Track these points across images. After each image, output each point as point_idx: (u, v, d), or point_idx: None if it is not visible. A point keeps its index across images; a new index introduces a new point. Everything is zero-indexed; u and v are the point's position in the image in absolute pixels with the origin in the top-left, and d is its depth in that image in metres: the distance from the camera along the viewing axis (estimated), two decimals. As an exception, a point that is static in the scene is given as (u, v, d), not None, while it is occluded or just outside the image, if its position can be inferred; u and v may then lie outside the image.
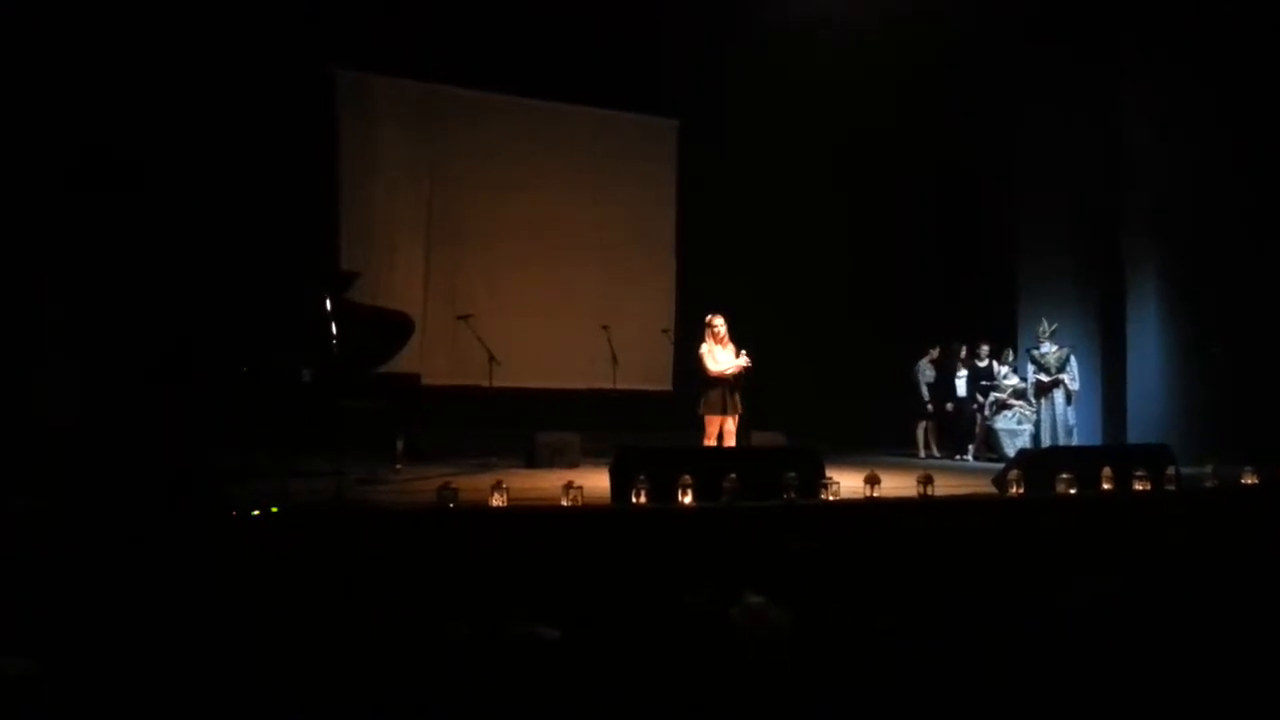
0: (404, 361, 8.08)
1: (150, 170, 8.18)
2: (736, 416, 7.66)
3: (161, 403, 7.35)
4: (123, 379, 7.51)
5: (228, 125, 8.58)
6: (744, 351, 7.61)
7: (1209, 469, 7.43)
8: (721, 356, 7.62)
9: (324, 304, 7.03)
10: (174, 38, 8.23)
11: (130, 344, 7.79)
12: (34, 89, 7.48)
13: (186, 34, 8.27)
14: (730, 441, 7.64)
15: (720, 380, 7.55)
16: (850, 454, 9.24)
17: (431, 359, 9.52)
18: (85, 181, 7.73)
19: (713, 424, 7.61)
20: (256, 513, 4.62)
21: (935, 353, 10.84)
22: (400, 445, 7.38)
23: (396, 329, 7.70)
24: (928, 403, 10.72)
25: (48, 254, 7.70)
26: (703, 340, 7.70)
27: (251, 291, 8.17)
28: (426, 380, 8.26)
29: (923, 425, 10.79)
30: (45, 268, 7.66)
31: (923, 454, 10.65)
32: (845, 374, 10.97)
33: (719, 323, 7.68)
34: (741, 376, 7.59)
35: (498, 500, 5.37)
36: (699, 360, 7.61)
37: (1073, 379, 9.74)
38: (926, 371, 10.83)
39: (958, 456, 10.53)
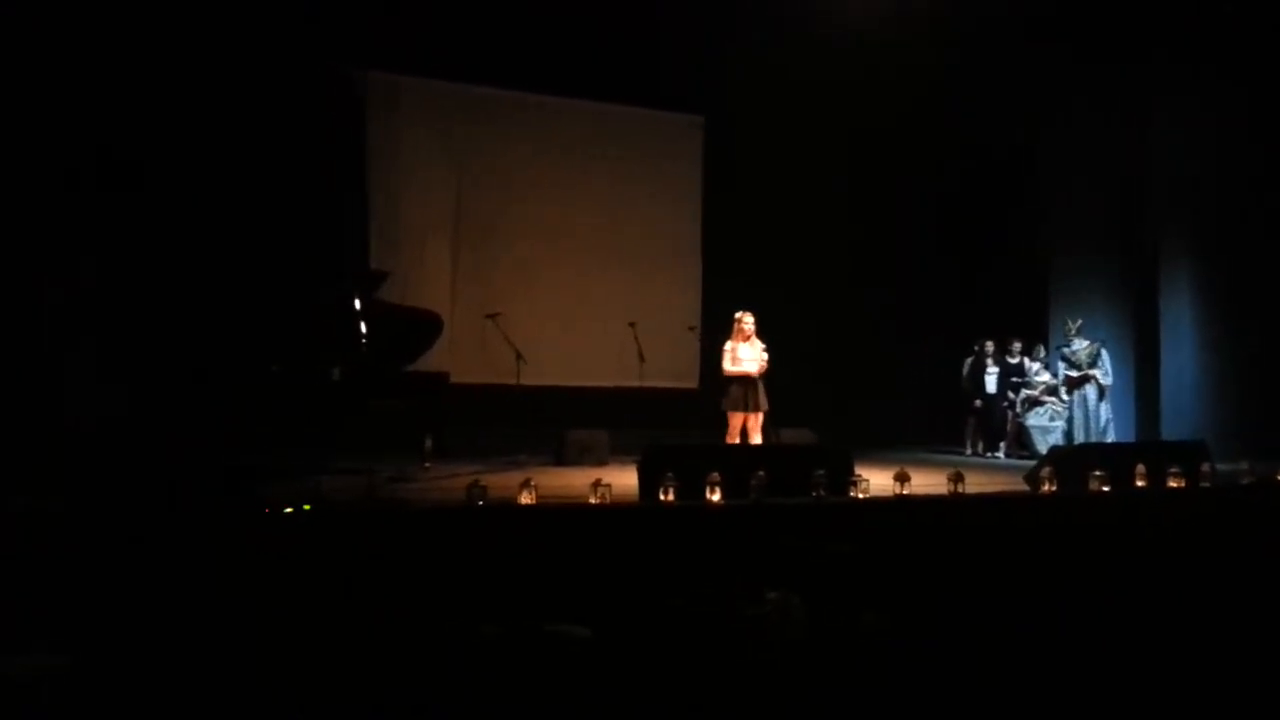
0: (433, 360, 8.12)
1: (179, 171, 8.26)
2: (760, 413, 7.66)
3: (193, 402, 7.44)
4: (154, 378, 7.60)
5: (258, 126, 8.66)
6: (764, 348, 7.62)
7: (1245, 465, 7.32)
8: (745, 353, 7.61)
9: (353, 303, 7.09)
10: (205, 43, 8.31)
11: (161, 344, 7.89)
12: (58, 90, 7.58)
13: (217, 39, 8.34)
14: (755, 438, 7.63)
15: (742, 376, 7.56)
16: (885, 451, 9.19)
17: (460, 357, 9.55)
18: (112, 182, 7.82)
19: (734, 420, 7.61)
20: (289, 510, 4.66)
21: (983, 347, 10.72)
22: (429, 443, 7.42)
23: (425, 327, 7.75)
24: (974, 399, 10.62)
25: (79, 253, 7.80)
26: (729, 336, 7.70)
27: (281, 291, 8.23)
28: (455, 378, 8.30)
29: (970, 422, 10.72)
30: (76, 266, 7.77)
31: (968, 451, 10.57)
32: (875, 372, 10.91)
33: (748, 320, 7.68)
34: (764, 374, 7.60)
35: (526, 498, 5.39)
36: (720, 354, 7.65)
37: (1105, 374, 9.64)
38: (966, 367, 10.76)
39: (990, 454, 10.45)
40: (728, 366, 7.62)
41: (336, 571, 4.43)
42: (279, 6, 8.64)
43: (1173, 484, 6.83)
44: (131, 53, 7.93)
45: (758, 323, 7.75)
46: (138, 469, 5.34)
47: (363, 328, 7.03)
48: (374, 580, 4.34)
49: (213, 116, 8.44)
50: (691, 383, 10.64)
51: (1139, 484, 6.78)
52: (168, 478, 5.06)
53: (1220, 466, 7.46)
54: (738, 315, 7.74)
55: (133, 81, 7.97)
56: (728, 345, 7.68)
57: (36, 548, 4.19)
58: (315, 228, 8.89)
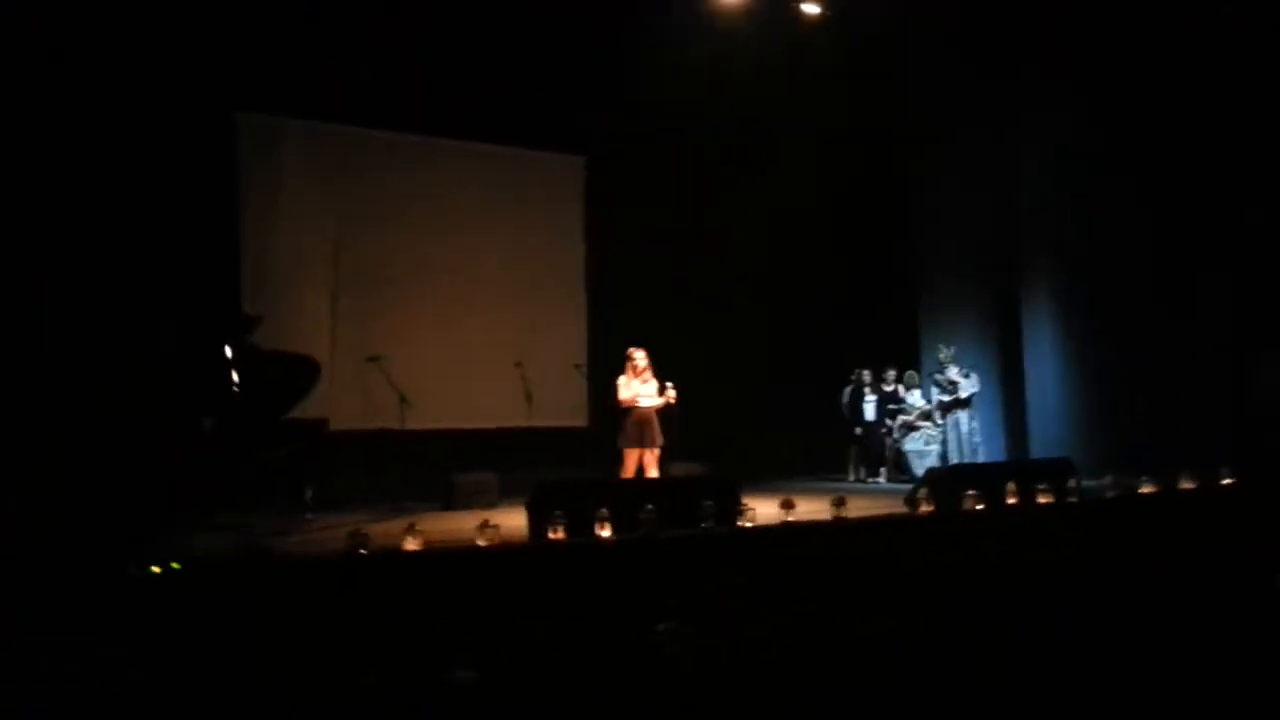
0: (312, 406, 7.88)
1: (31, 217, 7.82)
2: (657, 449, 7.69)
3: (51, 467, 6.99)
4: (16, 432, 7.12)
5: (122, 169, 8.28)
6: (669, 384, 7.66)
7: (1109, 480, 7.73)
8: (641, 389, 7.65)
9: (224, 349, 6.83)
10: (65, 80, 7.95)
11: (15, 406, 7.41)
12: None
13: (79, 76, 7.99)
14: (652, 474, 7.65)
15: (638, 413, 7.58)
16: (773, 481, 9.34)
17: (341, 403, 9.28)
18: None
19: (630, 456, 7.62)
20: (157, 570, 4.43)
21: (859, 376, 11.03)
22: (310, 493, 7.19)
23: (302, 372, 7.53)
24: (854, 426, 10.90)
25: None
26: (622, 373, 7.72)
27: (147, 340, 7.86)
28: (336, 424, 8.09)
29: (852, 449, 10.99)
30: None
31: (851, 478, 10.82)
32: (761, 402, 11.11)
33: (639, 356, 7.72)
34: (662, 410, 7.65)
35: (411, 544, 5.27)
36: (615, 391, 7.65)
37: (971, 386, 10.02)
38: (845, 395, 11.06)
39: (870, 479, 10.74)
40: (624, 395, 7.61)
41: (211, 630, 4.22)
42: (147, 47, 8.33)
43: (1042, 500, 7.16)
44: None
45: (647, 358, 7.81)
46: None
47: (234, 375, 6.77)
48: (251, 638, 4.15)
49: (74, 157, 8.04)
50: (581, 420, 10.62)
51: (1010, 501, 7.07)
52: (24, 546, 4.76)
53: (1085, 482, 7.86)
54: (629, 351, 7.77)
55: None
56: (620, 380, 7.69)
57: None
58: (183, 273, 8.52)
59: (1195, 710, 3.11)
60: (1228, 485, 7.84)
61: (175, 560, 4.58)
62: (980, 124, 10.92)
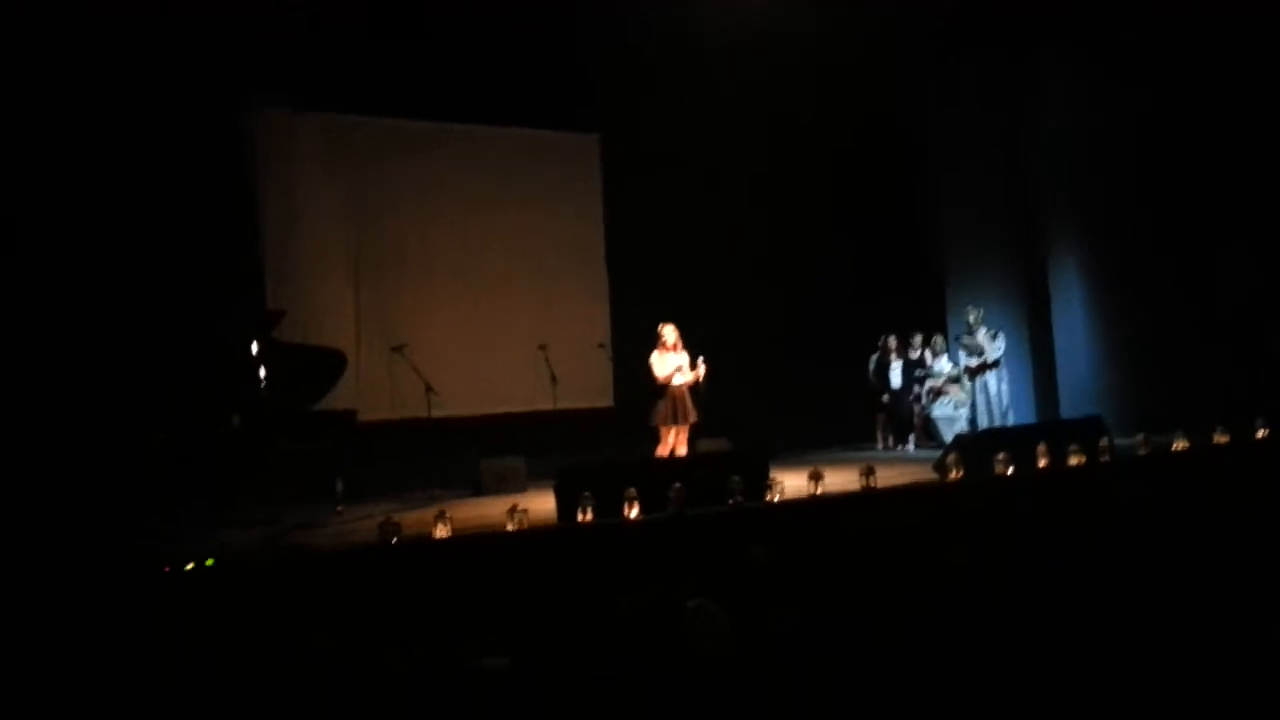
0: (339, 398, 7.94)
1: (57, 218, 7.89)
2: (687, 426, 7.71)
3: (86, 464, 7.10)
4: (41, 439, 7.23)
5: (141, 168, 8.34)
6: (700, 358, 7.67)
7: (1140, 438, 7.63)
8: (672, 364, 7.64)
9: (249, 345, 6.88)
10: (87, 82, 8.00)
11: (50, 403, 7.52)
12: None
13: (96, 75, 8.03)
14: (682, 450, 7.67)
15: (671, 389, 7.59)
16: (803, 453, 9.31)
17: (368, 394, 9.36)
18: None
19: (666, 433, 7.65)
20: (190, 567, 4.49)
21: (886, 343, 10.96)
22: (340, 485, 7.25)
23: (328, 365, 7.57)
24: (881, 394, 10.84)
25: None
26: (652, 350, 7.72)
27: (173, 338, 7.93)
28: (364, 415, 8.14)
29: (879, 417, 10.94)
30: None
31: (880, 446, 10.78)
32: (787, 373, 11.06)
33: (668, 332, 7.72)
34: (698, 385, 7.66)
35: (441, 531, 5.30)
36: (648, 369, 7.65)
37: (998, 349, 9.94)
38: (872, 364, 10.99)
39: (899, 447, 10.67)
40: (659, 373, 7.62)
41: (245, 627, 4.28)
42: (163, 43, 8.35)
43: (1073, 461, 7.08)
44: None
45: (677, 334, 7.81)
46: (28, 539, 5.09)
47: (261, 370, 6.82)
48: (287, 633, 4.20)
49: (94, 157, 8.09)
50: (606, 401, 10.63)
51: (1041, 463, 7.00)
52: (62, 545, 4.84)
53: (1118, 441, 7.76)
54: (659, 328, 7.77)
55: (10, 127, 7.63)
56: (653, 358, 7.70)
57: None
58: (205, 269, 8.58)
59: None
60: (1262, 438, 7.72)
61: (209, 557, 4.64)
62: (1002, 89, 10.78)
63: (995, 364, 9.96)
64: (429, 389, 8.55)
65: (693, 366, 7.73)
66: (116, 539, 4.85)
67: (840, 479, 6.79)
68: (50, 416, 7.17)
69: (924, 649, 3.28)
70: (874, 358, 11.01)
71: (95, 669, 3.70)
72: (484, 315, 10.53)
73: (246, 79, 9.07)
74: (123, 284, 8.05)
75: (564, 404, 9.27)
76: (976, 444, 7.57)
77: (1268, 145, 9.18)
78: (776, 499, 6.13)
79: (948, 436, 9.75)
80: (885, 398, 10.83)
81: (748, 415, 9.80)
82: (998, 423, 9.72)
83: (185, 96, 8.59)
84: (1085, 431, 7.52)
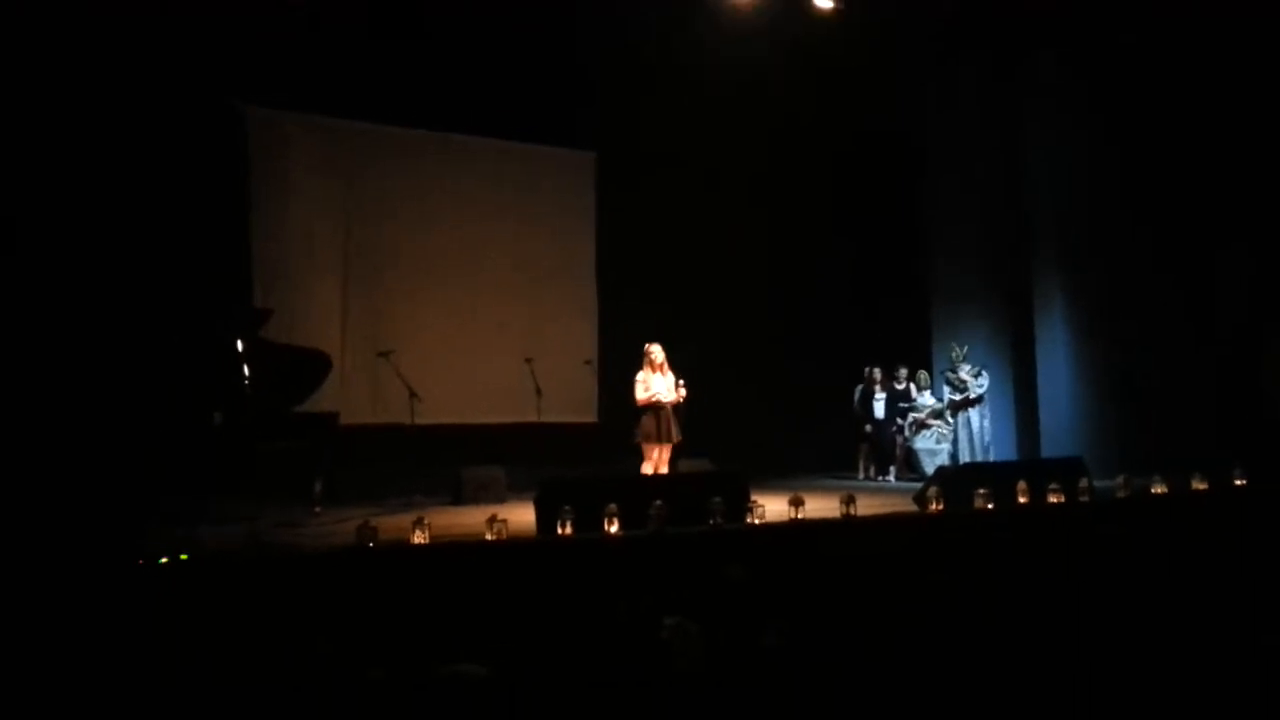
0: (322, 400, 7.90)
1: (46, 210, 7.84)
2: (671, 445, 7.70)
3: (67, 452, 7.03)
4: (24, 425, 7.16)
5: (132, 163, 8.31)
6: (681, 381, 7.67)
7: (1120, 480, 7.67)
8: (658, 384, 7.64)
9: (234, 342, 6.84)
10: (84, 78, 7.97)
11: (32, 392, 7.45)
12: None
13: (91, 72, 8.01)
14: (664, 469, 7.66)
15: (655, 408, 7.58)
16: (783, 479, 9.31)
17: (351, 397, 9.33)
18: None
19: (650, 451, 7.63)
20: (165, 560, 4.44)
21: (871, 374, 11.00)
22: (319, 487, 7.20)
23: (312, 366, 7.54)
24: (864, 424, 10.88)
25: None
26: (640, 368, 7.72)
27: (159, 333, 7.88)
28: (346, 419, 8.10)
29: (862, 447, 10.97)
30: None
31: (861, 476, 10.80)
32: (772, 399, 11.09)
33: (656, 350, 7.72)
34: (679, 405, 7.65)
35: (419, 538, 5.27)
36: (632, 388, 7.65)
37: (981, 385, 9.99)
38: (856, 394, 11.04)
39: (880, 478, 10.70)
40: (640, 395, 7.61)
41: (218, 623, 4.23)
42: (159, 40, 8.35)
43: (1053, 499, 7.11)
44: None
45: (664, 354, 7.81)
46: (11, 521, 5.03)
47: (245, 368, 6.78)
48: (259, 632, 4.16)
49: (83, 150, 8.06)
50: (590, 416, 10.62)
51: (1021, 500, 7.03)
52: (40, 529, 4.78)
53: (1097, 482, 7.80)
54: (646, 347, 7.77)
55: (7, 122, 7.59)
56: (639, 376, 7.69)
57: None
58: (194, 268, 8.54)
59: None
60: (1240, 486, 7.78)
61: (183, 552, 4.59)
62: (990, 121, 10.87)
63: (979, 400, 10.02)
64: (413, 395, 8.52)
65: (676, 388, 7.72)
66: (95, 530, 4.78)
67: (821, 505, 6.80)
68: (34, 407, 7.09)
69: (904, 669, 3.29)
70: (858, 388, 11.05)
71: (70, 660, 3.65)
72: (472, 325, 10.53)
73: (243, 78, 9.07)
74: (111, 276, 8.00)
75: (548, 418, 9.25)
76: (958, 478, 7.60)
77: (1263, 183, 9.23)
78: (757, 522, 6.12)
79: (929, 469, 9.78)
80: (868, 428, 10.86)
81: (730, 438, 9.80)
82: (979, 458, 9.77)
83: (181, 94, 8.58)
84: (1066, 471, 7.55)
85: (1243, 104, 9.24)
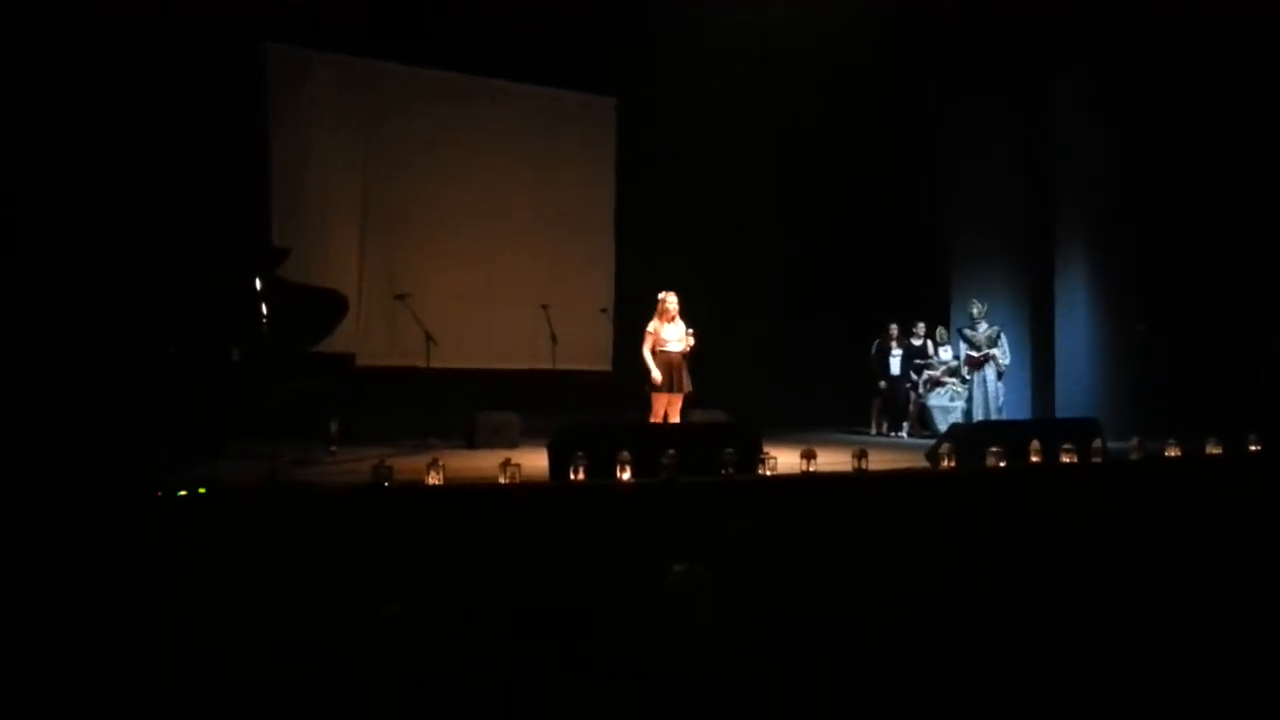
0: (339, 341, 7.93)
1: (69, 146, 7.84)
2: (682, 395, 7.69)
3: (86, 383, 7.10)
4: (47, 360, 7.23)
5: (153, 99, 8.28)
6: (691, 331, 7.63)
7: (1134, 442, 7.65)
8: (669, 333, 7.60)
9: (253, 281, 6.85)
10: (93, 12, 7.91)
11: (54, 325, 7.51)
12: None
13: (110, 10, 7.94)
14: (674, 419, 7.66)
15: (666, 358, 7.56)
16: (796, 432, 9.33)
17: (368, 339, 9.38)
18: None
19: (659, 401, 7.62)
20: (184, 494, 4.51)
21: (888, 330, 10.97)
22: (334, 427, 7.26)
23: (330, 307, 7.55)
24: (879, 380, 10.86)
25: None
26: (652, 317, 7.69)
27: (177, 268, 7.92)
28: (363, 361, 8.13)
29: (875, 403, 10.96)
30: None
31: (873, 431, 10.81)
32: (786, 353, 11.09)
33: (670, 300, 7.66)
34: (687, 354, 7.64)
35: (434, 478, 5.32)
36: (643, 338, 7.62)
37: (1004, 354, 9.97)
38: (873, 349, 11.00)
39: (893, 434, 10.71)
40: (648, 347, 7.57)
41: (236, 557, 4.30)
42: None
43: (1066, 459, 7.10)
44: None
45: (678, 303, 7.78)
46: (25, 450, 5.10)
47: (263, 307, 6.80)
48: (275, 566, 4.23)
49: (104, 84, 8.02)
50: (605, 365, 10.64)
51: (1034, 459, 7.02)
52: (58, 459, 4.85)
53: (1111, 444, 7.78)
54: (661, 295, 7.70)
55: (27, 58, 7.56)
56: (651, 326, 7.64)
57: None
58: (213, 204, 8.56)
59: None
60: (1255, 452, 7.75)
61: (201, 485, 4.66)
62: (1012, 88, 10.71)
63: (992, 359, 9.97)
64: (429, 339, 8.55)
65: (686, 336, 7.69)
66: (115, 463, 4.85)
67: (833, 459, 6.81)
68: (57, 341, 7.16)
69: (914, 645, 3.30)
70: (874, 343, 11.01)
71: (86, 596, 3.71)
72: (489, 270, 10.52)
73: (265, 14, 8.98)
74: (132, 214, 8.02)
75: (562, 365, 9.27)
76: (970, 435, 7.59)
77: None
78: (768, 474, 6.15)
79: (942, 426, 9.78)
80: (882, 384, 10.85)
81: (744, 390, 9.81)
82: (992, 417, 9.75)
83: (203, 29, 8.50)
84: (1080, 432, 7.53)
85: (1258, 97, 9.12)
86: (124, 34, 8.06)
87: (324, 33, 9.49)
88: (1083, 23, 10.11)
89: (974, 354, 10.02)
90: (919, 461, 7.29)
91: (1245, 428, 7.93)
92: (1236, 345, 9.36)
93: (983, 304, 10.16)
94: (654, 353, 7.54)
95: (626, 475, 5.68)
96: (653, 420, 7.58)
